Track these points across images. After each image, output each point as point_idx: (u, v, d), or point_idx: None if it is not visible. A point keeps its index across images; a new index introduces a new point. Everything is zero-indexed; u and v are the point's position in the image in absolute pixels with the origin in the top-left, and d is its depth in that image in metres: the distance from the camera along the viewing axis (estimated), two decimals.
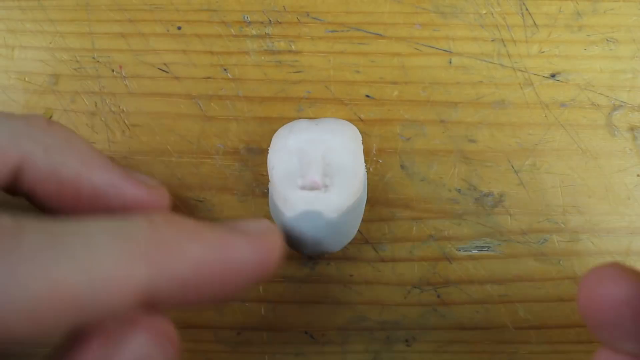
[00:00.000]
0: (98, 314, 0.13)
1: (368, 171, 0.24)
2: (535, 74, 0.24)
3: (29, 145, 0.16)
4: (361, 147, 0.22)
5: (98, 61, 0.25)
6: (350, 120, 0.24)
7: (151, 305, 0.14)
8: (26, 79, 0.25)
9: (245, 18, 0.25)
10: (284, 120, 0.24)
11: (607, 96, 0.24)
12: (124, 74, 0.25)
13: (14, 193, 0.17)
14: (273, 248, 0.16)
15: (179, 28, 0.25)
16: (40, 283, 0.12)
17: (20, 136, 0.16)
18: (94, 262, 0.12)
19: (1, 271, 0.11)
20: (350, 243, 0.22)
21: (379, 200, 0.23)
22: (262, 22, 0.25)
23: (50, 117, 0.24)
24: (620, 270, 0.14)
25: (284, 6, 0.25)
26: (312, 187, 0.20)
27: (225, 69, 0.24)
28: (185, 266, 0.14)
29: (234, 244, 0.15)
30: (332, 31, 0.25)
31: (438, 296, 0.23)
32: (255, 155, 0.24)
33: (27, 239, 0.12)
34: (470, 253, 0.23)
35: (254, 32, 0.25)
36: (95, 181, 0.17)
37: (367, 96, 0.24)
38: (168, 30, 0.25)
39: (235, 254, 0.15)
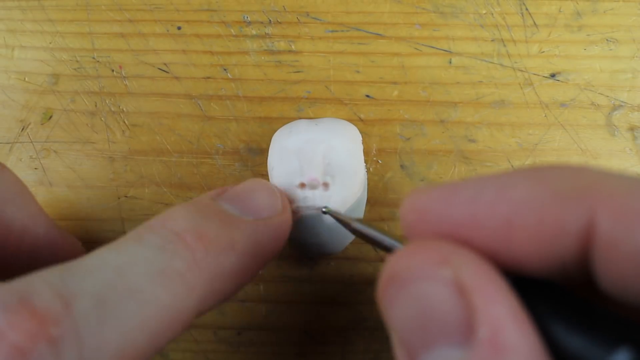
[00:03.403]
0: (163, 346, 0.14)
1: (368, 171, 0.24)
2: (535, 74, 0.24)
3: None
4: (361, 147, 0.22)
5: (98, 61, 0.25)
6: (350, 120, 0.24)
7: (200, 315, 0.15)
8: (26, 78, 0.25)
9: (245, 18, 0.25)
10: (284, 120, 0.24)
11: (607, 96, 0.24)
12: (123, 74, 0.25)
13: None
14: (286, 224, 0.18)
15: (179, 28, 0.25)
16: (107, 354, 0.12)
17: None
18: (146, 317, 0.13)
19: (69, 355, 0.11)
20: (350, 243, 0.22)
21: (379, 200, 0.23)
22: (262, 22, 0.25)
23: (50, 117, 0.24)
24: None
25: (284, 6, 0.25)
26: (312, 186, 0.20)
27: (225, 69, 0.24)
28: (226, 279, 0.15)
29: (262, 240, 0.16)
30: (332, 31, 0.25)
31: None
32: (255, 155, 0.24)
33: (79, 313, 0.12)
34: None
35: (254, 32, 0.25)
36: (37, 236, 0.18)
37: (367, 96, 0.24)
38: (168, 30, 0.25)
39: (263, 248, 0.17)
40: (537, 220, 0.11)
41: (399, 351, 0.11)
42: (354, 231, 0.16)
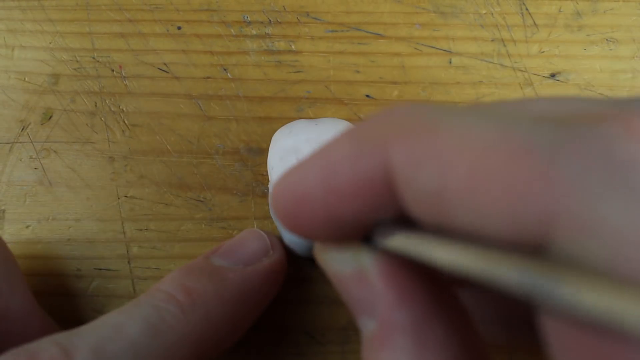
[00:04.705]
0: None
1: None
2: (535, 74, 0.24)
3: None
4: None
5: (98, 61, 0.25)
6: (350, 120, 0.24)
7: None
8: (26, 78, 0.25)
9: (245, 18, 0.25)
10: (284, 120, 0.24)
11: (607, 96, 0.24)
12: (123, 74, 0.25)
13: None
14: (278, 265, 0.20)
15: (179, 28, 0.25)
16: None
17: None
18: None
19: None
20: None
21: None
22: (262, 22, 0.25)
23: (50, 117, 0.24)
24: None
25: (284, 6, 0.25)
26: None
27: (225, 69, 0.24)
28: (218, 327, 0.17)
29: (251, 286, 0.18)
30: (332, 31, 0.25)
31: None
32: (255, 155, 0.24)
33: None
34: None
35: (254, 32, 0.25)
36: (10, 306, 0.18)
37: (367, 96, 0.24)
38: (168, 30, 0.25)
39: (255, 293, 0.19)
40: (352, 175, 0.11)
41: None
42: None
